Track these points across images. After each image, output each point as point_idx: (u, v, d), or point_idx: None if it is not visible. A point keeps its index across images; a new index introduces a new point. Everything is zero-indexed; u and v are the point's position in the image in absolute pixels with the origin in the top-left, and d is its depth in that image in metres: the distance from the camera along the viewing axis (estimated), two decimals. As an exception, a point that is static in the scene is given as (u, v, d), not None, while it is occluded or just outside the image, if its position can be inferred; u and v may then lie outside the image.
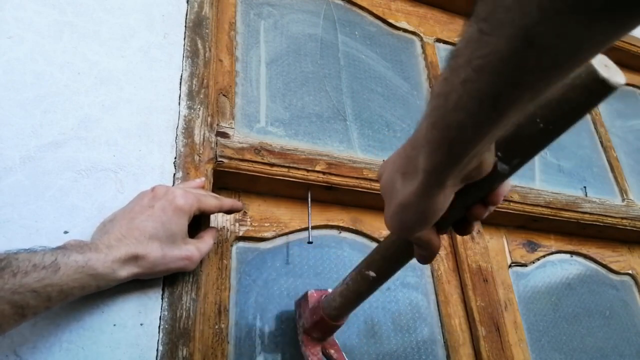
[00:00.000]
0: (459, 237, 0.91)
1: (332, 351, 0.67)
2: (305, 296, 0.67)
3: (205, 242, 0.60)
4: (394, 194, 0.42)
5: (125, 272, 0.51)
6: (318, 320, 0.63)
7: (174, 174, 0.66)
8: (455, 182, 0.39)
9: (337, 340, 0.68)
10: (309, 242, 0.77)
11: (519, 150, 0.39)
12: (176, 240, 0.55)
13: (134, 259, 0.51)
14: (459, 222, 0.47)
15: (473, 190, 0.42)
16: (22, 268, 0.43)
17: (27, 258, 0.44)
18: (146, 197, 0.57)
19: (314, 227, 0.80)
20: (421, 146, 0.37)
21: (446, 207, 0.41)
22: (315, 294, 0.67)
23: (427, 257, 0.47)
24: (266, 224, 0.78)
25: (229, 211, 0.66)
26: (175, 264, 0.55)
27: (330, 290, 0.65)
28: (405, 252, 0.51)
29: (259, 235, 0.77)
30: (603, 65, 0.31)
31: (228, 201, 0.65)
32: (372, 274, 0.56)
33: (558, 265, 1.04)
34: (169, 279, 0.58)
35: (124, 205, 0.58)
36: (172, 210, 0.56)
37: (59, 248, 0.48)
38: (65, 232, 0.56)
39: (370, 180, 0.83)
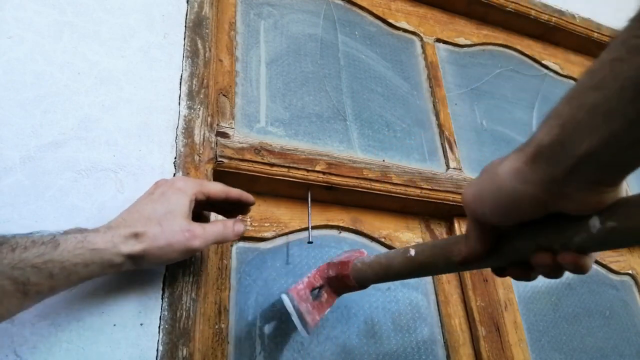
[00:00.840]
0: (459, 237, 0.91)
1: (325, 296, 0.68)
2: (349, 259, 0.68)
3: (213, 225, 0.56)
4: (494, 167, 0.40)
5: (128, 247, 0.49)
6: (343, 270, 0.65)
7: (174, 174, 0.66)
8: (553, 185, 0.35)
9: (337, 340, 0.68)
10: (309, 242, 0.77)
11: (622, 215, 0.34)
12: (175, 217, 0.53)
13: (134, 236, 0.50)
14: (520, 264, 0.45)
15: (551, 228, 0.39)
16: (20, 244, 0.42)
17: (25, 236, 0.44)
18: (149, 189, 0.57)
19: (314, 227, 0.80)
20: (546, 117, 0.35)
21: (530, 201, 0.37)
22: (355, 254, 0.68)
23: (463, 254, 0.47)
24: (266, 224, 0.78)
25: (237, 203, 0.62)
26: (176, 237, 0.52)
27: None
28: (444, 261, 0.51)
29: (259, 235, 0.77)
30: None
31: (236, 190, 0.61)
32: (412, 252, 0.56)
33: (558, 265, 1.04)
34: (168, 279, 0.58)
35: None
36: (172, 192, 0.55)
37: (57, 232, 0.48)
38: (65, 232, 0.56)
39: (370, 180, 0.83)
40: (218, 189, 0.59)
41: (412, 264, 0.56)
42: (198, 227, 0.54)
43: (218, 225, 0.57)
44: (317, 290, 0.67)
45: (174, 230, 0.52)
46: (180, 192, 0.55)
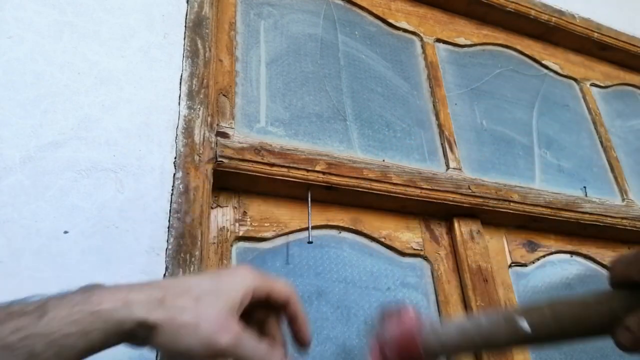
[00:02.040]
0: (459, 237, 0.91)
1: None
2: (399, 311, 0.52)
3: (256, 342, 0.42)
4: None
5: (142, 311, 0.38)
6: (409, 349, 0.47)
7: (174, 174, 0.66)
8: None
9: (337, 340, 0.68)
10: (309, 242, 0.77)
11: None
12: (219, 300, 0.41)
13: (159, 301, 0.39)
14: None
15: None
16: None
17: (4, 306, 0.34)
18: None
19: (314, 227, 0.80)
20: None
21: None
22: (412, 314, 0.50)
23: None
24: (266, 224, 0.78)
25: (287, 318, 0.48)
26: (206, 321, 0.40)
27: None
28: (599, 328, 0.39)
29: (259, 235, 0.77)
30: None
31: (298, 304, 0.48)
32: (525, 326, 0.41)
33: (558, 265, 1.04)
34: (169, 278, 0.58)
35: None
36: (229, 273, 0.45)
37: (59, 294, 0.37)
38: (65, 232, 0.56)
39: (370, 180, 0.83)
40: (283, 291, 0.46)
41: (524, 340, 0.43)
42: (238, 327, 0.41)
43: (261, 345, 0.42)
44: None
45: (209, 313, 0.40)
46: (239, 277, 0.44)
